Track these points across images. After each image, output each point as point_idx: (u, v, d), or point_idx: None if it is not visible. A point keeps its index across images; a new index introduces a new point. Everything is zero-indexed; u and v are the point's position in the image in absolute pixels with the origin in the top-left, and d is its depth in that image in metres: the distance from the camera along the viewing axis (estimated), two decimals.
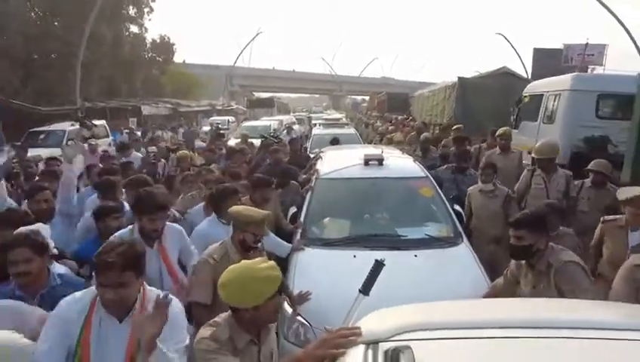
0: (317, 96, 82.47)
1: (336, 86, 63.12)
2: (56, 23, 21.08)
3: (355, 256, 3.23)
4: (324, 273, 3.14)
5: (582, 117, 6.26)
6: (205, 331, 1.69)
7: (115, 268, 1.69)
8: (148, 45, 28.77)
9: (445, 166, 5.34)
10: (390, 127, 11.86)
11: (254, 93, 52.27)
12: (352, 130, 10.95)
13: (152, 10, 27.19)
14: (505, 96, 9.35)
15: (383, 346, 1.11)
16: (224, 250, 2.53)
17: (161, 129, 17.84)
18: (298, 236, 3.71)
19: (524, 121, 7.67)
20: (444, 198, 4.04)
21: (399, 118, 15.05)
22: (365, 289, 1.53)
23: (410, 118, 14.36)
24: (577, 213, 4.16)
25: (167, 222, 2.85)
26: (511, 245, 2.45)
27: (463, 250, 3.43)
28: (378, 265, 1.54)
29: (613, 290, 2.27)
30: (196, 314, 2.30)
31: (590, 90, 6.40)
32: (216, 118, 24.11)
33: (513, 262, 2.60)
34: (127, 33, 26.29)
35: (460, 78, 11.23)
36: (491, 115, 9.25)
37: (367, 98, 40.77)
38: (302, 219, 3.91)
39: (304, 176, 5.14)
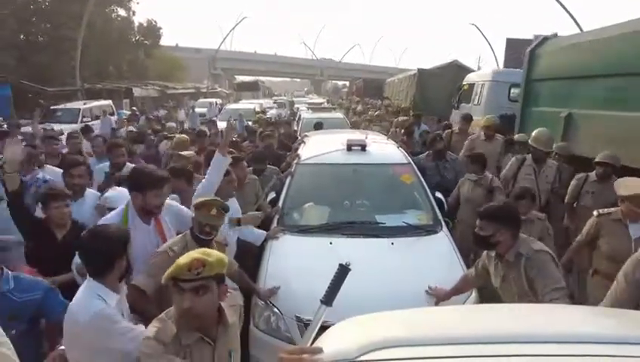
0: (298, 80, 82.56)
1: (317, 71, 63.64)
2: (46, 5, 21.43)
3: (331, 243, 3.19)
4: (297, 260, 3.06)
5: (498, 100, 8.72)
6: (151, 328, 1.58)
7: None
8: (135, 29, 29.05)
9: (426, 153, 5.30)
10: (377, 113, 11.87)
11: (236, 77, 52.35)
12: (339, 115, 10.90)
13: None
14: (454, 84, 11.28)
15: None
16: (184, 243, 2.40)
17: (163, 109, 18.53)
18: (275, 223, 3.62)
19: (462, 103, 10.25)
20: (425, 185, 3.98)
21: (379, 102, 16.56)
22: (328, 299, 1.31)
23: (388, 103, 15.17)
24: (579, 208, 3.99)
25: None
26: (473, 233, 2.45)
27: (441, 238, 3.38)
28: (343, 270, 1.33)
29: (618, 286, 2.11)
30: (131, 296, 2.11)
31: (504, 81, 8.92)
32: (204, 101, 24.11)
33: (485, 252, 2.56)
34: (115, 16, 26.55)
35: (419, 69, 13.79)
36: (443, 100, 11.56)
37: (347, 83, 42.51)
38: (280, 204, 3.81)
39: (285, 161, 5.01)
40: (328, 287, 1.27)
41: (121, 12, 27.31)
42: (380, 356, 0.98)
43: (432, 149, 5.15)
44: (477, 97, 9.48)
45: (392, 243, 3.20)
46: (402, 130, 7.08)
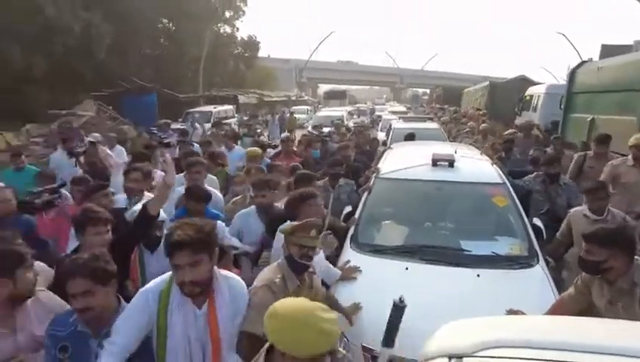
0: (377, 88, 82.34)
1: (397, 79, 63.84)
2: (172, 25, 26.65)
3: (407, 269, 2.93)
4: (369, 284, 2.86)
5: (551, 109, 10.32)
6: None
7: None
8: (237, 43, 32.93)
9: (534, 174, 4.60)
10: (469, 123, 11.22)
11: (319, 85, 54.67)
12: (434, 125, 10.18)
13: (244, 13, 31.17)
14: (519, 95, 13.26)
15: None
16: (280, 274, 2.14)
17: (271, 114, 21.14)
18: (348, 239, 3.45)
19: (524, 110, 12.44)
20: (521, 210, 3.49)
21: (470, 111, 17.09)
22: (387, 341, 1.19)
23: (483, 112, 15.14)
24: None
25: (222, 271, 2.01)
26: (579, 257, 2.14)
27: (537, 274, 2.90)
28: (397, 310, 1.20)
29: None
30: (247, 346, 1.80)
31: (556, 93, 10.19)
32: (301, 108, 27.49)
33: None
34: (222, 32, 30.82)
35: (490, 82, 17.16)
36: (509, 108, 13.50)
37: (427, 91, 43.31)
38: (355, 220, 3.62)
39: (364, 175, 4.83)
40: (386, 329, 1.15)
41: (227, 29, 31.40)
42: (493, 354, 1.10)
43: (548, 171, 4.38)
44: (534, 105, 11.69)
45: (478, 275, 2.83)
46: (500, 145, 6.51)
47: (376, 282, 2.85)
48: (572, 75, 8.61)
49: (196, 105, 20.83)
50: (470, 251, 3.10)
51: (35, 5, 15.62)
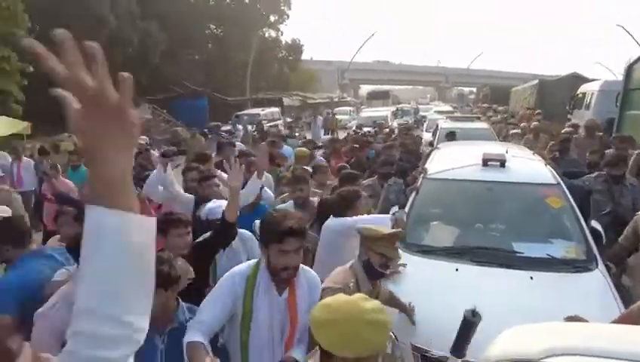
0: (421, 88, 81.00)
1: (442, 78, 62.37)
2: (220, 32, 28.17)
3: (457, 270, 2.91)
4: (417, 284, 2.87)
5: (606, 106, 9.80)
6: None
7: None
8: (282, 46, 33.91)
9: (596, 173, 4.38)
10: (522, 123, 10.84)
11: (361, 86, 54.49)
12: (484, 125, 9.97)
13: (288, 17, 31.99)
14: (571, 93, 12.78)
15: None
16: (353, 278, 2.17)
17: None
18: None
19: (576, 108, 12.03)
20: (577, 212, 3.36)
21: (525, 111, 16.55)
22: (457, 349, 1.19)
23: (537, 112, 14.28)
24: None
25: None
26: None
27: (596, 278, 2.79)
28: (469, 323, 1.17)
29: None
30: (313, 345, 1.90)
31: (611, 90, 9.88)
32: (344, 109, 28.00)
33: None
34: (267, 36, 31.88)
35: (540, 80, 16.85)
36: (560, 106, 13.16)
37: (474, 90, 42.46)
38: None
39: (411, 174, 4.83)
40: (456, 337, 1.14)
41: (272, 33, 32.37)
42: (560, 361, 1.05)
43: (611, 172, 4.16)
44: (587, 103, 11.15)
45: (531, 278, 2.77)
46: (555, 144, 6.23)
47: (425, 282, 2.86)
48: (629, 70, 8.29)
49: (244, 108, 21.93)
50: (523, 253, 3.03)
51: (99, 19, 17.15)
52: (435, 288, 2.70)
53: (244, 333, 1.91)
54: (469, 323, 1.16)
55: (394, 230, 2.27)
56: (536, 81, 16.99)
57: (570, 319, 2.27)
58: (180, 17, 22.29)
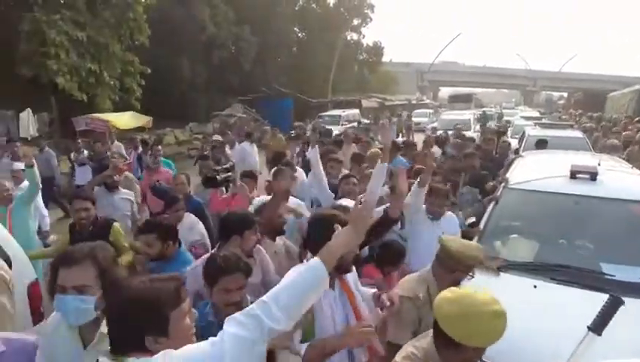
0: (506, 91, 75.88)
1: (529, 81, 56.85)
2: (304, 36, 29.43)
3: (535, 287, 2.75)
4: None
5: None
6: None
7: None
8: (363, 49, 34.30)
9: None
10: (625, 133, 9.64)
11: (440, 88, 52.73)
12: (577, 133, 9.02)
13: (371, 19, 32.15)
14: None
15: None
16: (425, 285, 2.20)
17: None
18: None
19: None
20: None
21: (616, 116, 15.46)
22: (597, 326, 1.18)
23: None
24: None
25: None
26: None
27: None
28: (619, 299, 1.22)
29: None
30: (388, 356, 1.88)
31: None
32: (423, 111, 27.85)
33: None
34: (349, 39, 32.58)
35: None
36: None
37: (564, 95, 39.56)
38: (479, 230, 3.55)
39: (491, 184, 4.64)
40: (598, 316, 1.13)
41: (354, 35, 32.92)
42: None
43: None
44: None
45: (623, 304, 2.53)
46: None
47: (500, 298, 2.75)
48: None
49: (325, 110, 22.79)
50: (613, 276, 2.79)
51: (199, 25, 18.98)
52: (510, 303, 2.58)
53: (308, 334, 1.84)
54: (617, 302, 1.16)
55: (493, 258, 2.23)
56: (637, 86, 15.66)
57: None
58: (269, 22, 23.75)
